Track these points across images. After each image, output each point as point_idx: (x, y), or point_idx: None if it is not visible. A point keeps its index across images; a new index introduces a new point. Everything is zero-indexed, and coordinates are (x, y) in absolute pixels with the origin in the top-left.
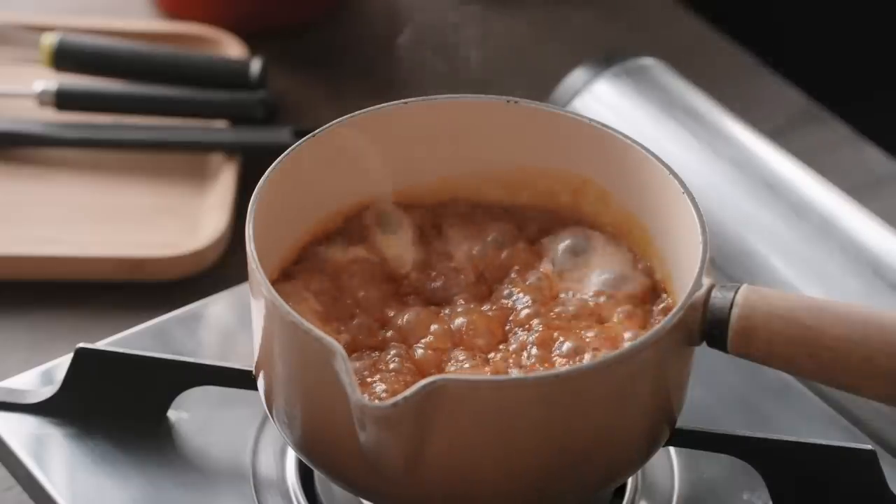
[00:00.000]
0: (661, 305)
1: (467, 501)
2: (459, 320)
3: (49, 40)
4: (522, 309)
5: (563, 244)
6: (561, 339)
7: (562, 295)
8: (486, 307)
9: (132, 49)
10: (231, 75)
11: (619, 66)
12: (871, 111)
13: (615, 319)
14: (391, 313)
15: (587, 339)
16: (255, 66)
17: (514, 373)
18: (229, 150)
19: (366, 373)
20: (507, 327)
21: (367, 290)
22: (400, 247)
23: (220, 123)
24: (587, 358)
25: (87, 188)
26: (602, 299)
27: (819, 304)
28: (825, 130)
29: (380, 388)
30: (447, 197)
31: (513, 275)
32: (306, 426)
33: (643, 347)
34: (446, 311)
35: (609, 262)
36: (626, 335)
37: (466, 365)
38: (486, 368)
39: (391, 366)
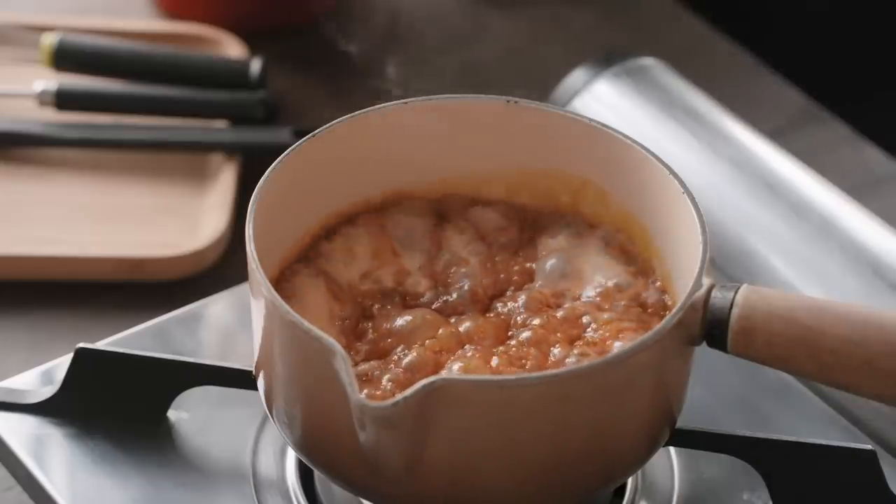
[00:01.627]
0: (658, 304)
1: (467, 501)
2: (467, 324)
3: (49, 40)
4: (520, 315)
5: (552, 264)
6: (556, 344)
7: (560, 311)
8: (490, 315)
9: (132, 49)
10: (231, 75)
11: (619, 66)
12: (871, 111)
13: (605, 324)
14: (399, 322)
15: (580, 344)
16: (255, 66)
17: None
18: (229, 150)
19: (377, 372)
20: (510, 332)
21: (382, 309)
22: (417, 273)
23: (220, 123)
24: (571, 362)
25: (87, 188)
26: (595, 304)
27: (819, 305)
28: (825, 130)
29: (385, 378)
30: (447, 197)
31: (508, 293)
32: (306, 426)
33: (643, 347)
34: (452, 319)
35: (602, 269)
36: (617, 344)
37: (469, 354)
38: (492, 360)
39: (402, 363)
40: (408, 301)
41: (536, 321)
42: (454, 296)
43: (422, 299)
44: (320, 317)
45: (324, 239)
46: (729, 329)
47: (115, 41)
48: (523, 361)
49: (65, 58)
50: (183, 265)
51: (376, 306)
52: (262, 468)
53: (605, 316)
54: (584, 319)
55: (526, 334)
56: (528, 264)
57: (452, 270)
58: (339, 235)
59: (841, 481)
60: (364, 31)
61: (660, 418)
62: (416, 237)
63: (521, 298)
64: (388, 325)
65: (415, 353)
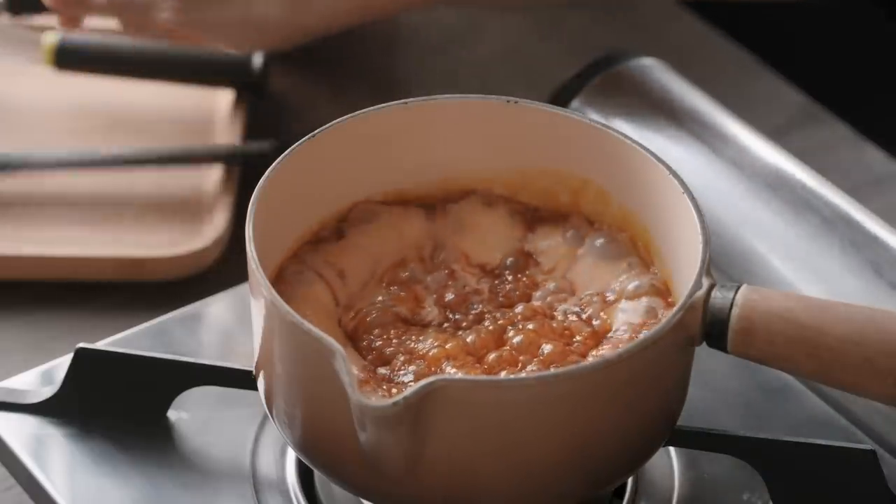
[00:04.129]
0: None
1: (467, 501)
2: (471, 337)
3: (50, 39)
4: (517, 323)
5: (550, 286)
6: (546, 346)
7: (554, 322)
8: (486, 323)
9: (134, 46)
10: (233, 70)
11: (619, 66)
12: (871, 111)
13: (594, 335)
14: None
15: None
16: (258, 60)
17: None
18: (228, 162)
19: (390, 379)
20: (505, 337)
21: (390, 330)
22: (434, 305)
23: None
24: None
25: (87, 188)
26: (591, 311)
27: (819, 304)
28: (825, 130)
29: (399, 378)
30: (447, 197)
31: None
32: (306, 426)
33: (643, 347)
34: (460, 333)
35: (599, 275)
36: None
37: (457, 369)
38: (489, 357)
39: (409, 369)
40: (415, 320)
41: (531, 326)
42: (459, 316)
43: (432, 322)
44: (323, 317)
45: (334, 243)
46: (729, 329)
47: (117, 38)
48: (518, 362)
49: (66, 56)
50: (183, 265)
51: (381, 321)
52: (262, 468)
53: (597, 323)
54: (576, 326)
55: (518, 338)
56: (528, 290)
57: (464, 299)
58: (348, 251)
59: (841, 481)
60: (364, 32)
61: (660, 418)
62: (428, 270)
63: (519, 308)
64: (397, 342)
65: (429, 354)
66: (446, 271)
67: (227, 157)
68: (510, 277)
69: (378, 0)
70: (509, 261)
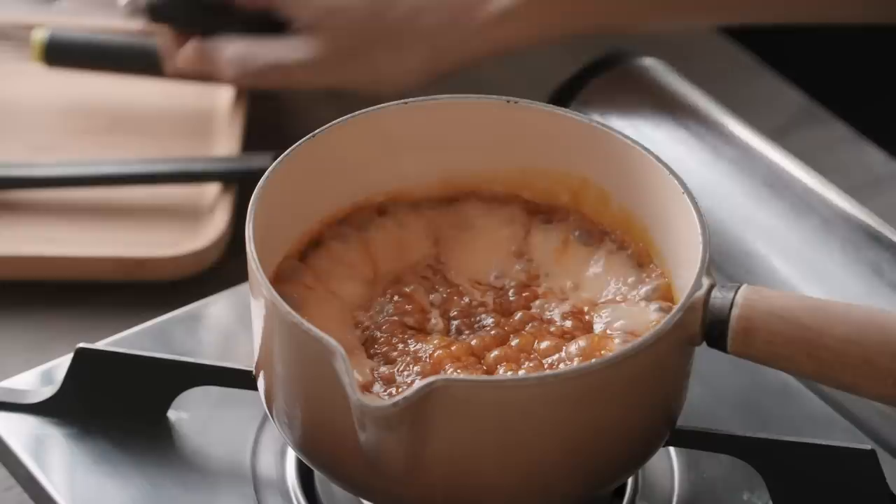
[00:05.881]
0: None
1: (467, 501)
2: (474, 342)
3: (39, 35)
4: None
5: (552, 295)
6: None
7: (552, 327)
8: (489, 328)
9: (125, 42)
10: None
11: (620, 66)
12: (871, 111)
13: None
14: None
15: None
16: None
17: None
18: (226, 179)
19: (394, 379)
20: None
21: (397, 334)
22: (439, 318)
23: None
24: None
25: (87, 188)
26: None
27: (819, 304)
28: (825, 130)
29: (401, 378)
30: (447, 197)
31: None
32: (306, 426)
33: (643, 347)
34: (462, 337)
35: (598, 280)
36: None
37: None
38: (488, 355)
39: (413, 369)
40: (420, 328)
41: (530, 328)
42: (464, 326)
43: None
44: (329, 319)
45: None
46: (729, 329)
47: (108, 35)
48: (519, 358)
49: (56, 53)
50: (183, 265)
51: (389, 329)
52: (262, 468)
53: (598, 325)
54: (576, 328)
55: (516, 341)
56: (530, 299)
57: (469, 312)
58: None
59: (841, 481)
60: None
61: (659, 418)
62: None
63: (518, 316)
64: (402, 347)
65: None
66: (450, 288)
67: (226, 175)
68: (511, 291)
69: (501, 41)
70: (513, 283)
